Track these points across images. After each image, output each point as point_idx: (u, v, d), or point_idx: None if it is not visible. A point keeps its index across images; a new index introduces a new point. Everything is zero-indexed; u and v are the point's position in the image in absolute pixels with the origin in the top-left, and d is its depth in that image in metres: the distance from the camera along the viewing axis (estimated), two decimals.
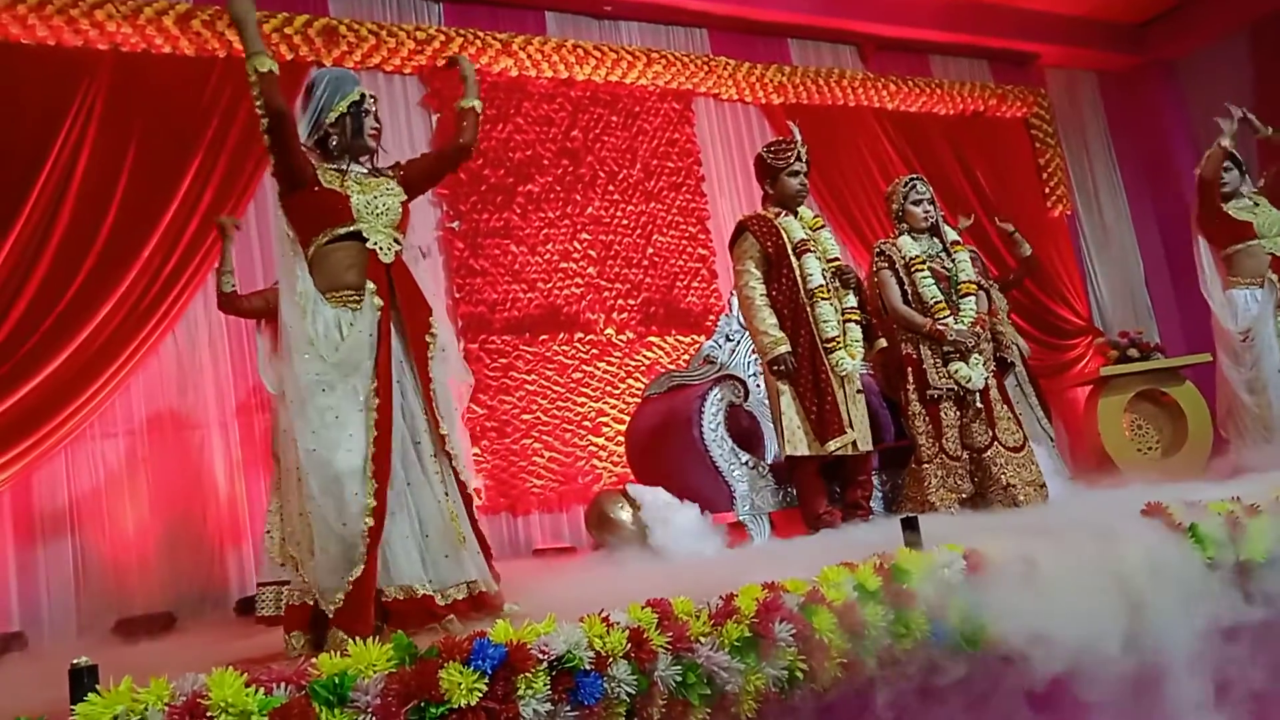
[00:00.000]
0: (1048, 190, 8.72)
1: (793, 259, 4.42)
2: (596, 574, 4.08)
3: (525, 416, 6.22)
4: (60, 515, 5.05)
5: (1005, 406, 4.66)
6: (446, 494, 3.04)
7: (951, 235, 4.88)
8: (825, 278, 4.44)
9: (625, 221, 6.84)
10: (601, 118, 6.92)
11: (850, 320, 4.47)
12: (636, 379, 6.53)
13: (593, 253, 6.67)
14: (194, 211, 5.46)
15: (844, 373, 4.35)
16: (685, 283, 6.95)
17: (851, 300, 4.51)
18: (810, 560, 2.60)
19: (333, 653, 1.79)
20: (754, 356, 5.32)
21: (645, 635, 1.96)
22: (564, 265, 6.55)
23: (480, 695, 1.76)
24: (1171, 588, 2.56)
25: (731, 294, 5.42)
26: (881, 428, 4.82)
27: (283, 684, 1.67)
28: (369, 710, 1.69)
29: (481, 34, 6.51)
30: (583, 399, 6.41)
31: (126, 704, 1.58)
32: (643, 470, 5.09)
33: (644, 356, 6.66)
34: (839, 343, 4.37)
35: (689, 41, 7.41)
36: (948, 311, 4.61)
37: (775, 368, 4.35)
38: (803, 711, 2.18)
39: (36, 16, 5.29)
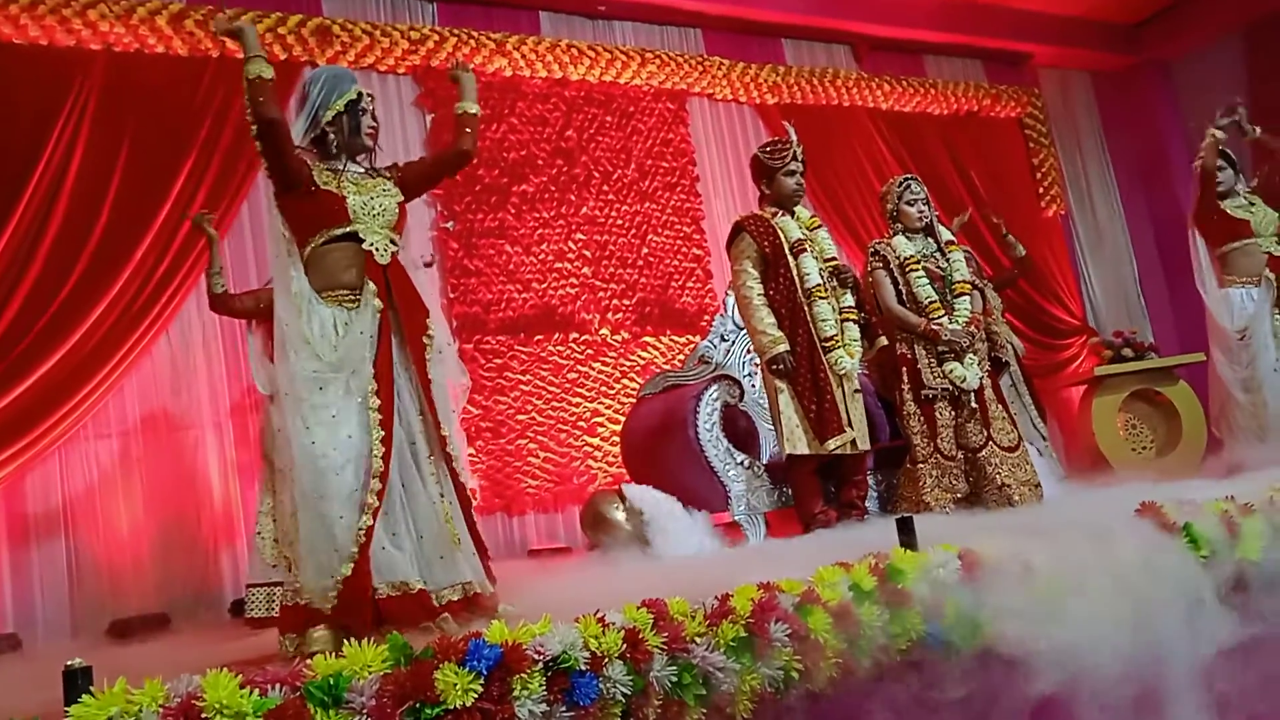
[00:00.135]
0: (1042, 190, 8.74)
1: (790, 259, 4.43)
2: (592, 574, 4.08)
3: (520, 417, 6.22)
4: (54, 516, 5.04)
5: (1000, 406, 4.67)
6: (442, 495, 3.04)
7: (946, 235, 4.89)
8: (823, 277, 4.45)
9: (620, 221, 6.84)
10: (596, 118, 6.92)
11: (848, 319, 4.47)
12: (631, 379, 6.53)
13: (587, 253, 6.67)
14: (187, 212, 5.44)
15: (843, 371, 4.36)
16: (680, 283, 6.95)
17: (849, 300, 4.52)
18: (805, 560, 2.60)
19: (329, 653, 1.79)
20: (749, 356, 5.33)
21: (640, 636, 1.96)
22: (559, 265, 6.55)
23: (475, 696, 1.75)
24: (1167, 588, 2.56)
25: (726, 294, 5.42)
26: (877, 427, 4.82)
27: (278, 685, 1.67)
28: (364, 711, 1.69)
29: (475, 34, 6.51)
30: (578, 399, 6.41)
31: (121, 705, 1.58)
32: (638, 470, 5.09)
33: (639, 357, 6.66)
34: (837, 342, 4.38)
35: (683, 41, 7.41)
36: (942, 311, 4.62)
37: (774, 367, 4.36)
38: (798, 712, 2.18)
39: (29, 16, 5.27)
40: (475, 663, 1.78)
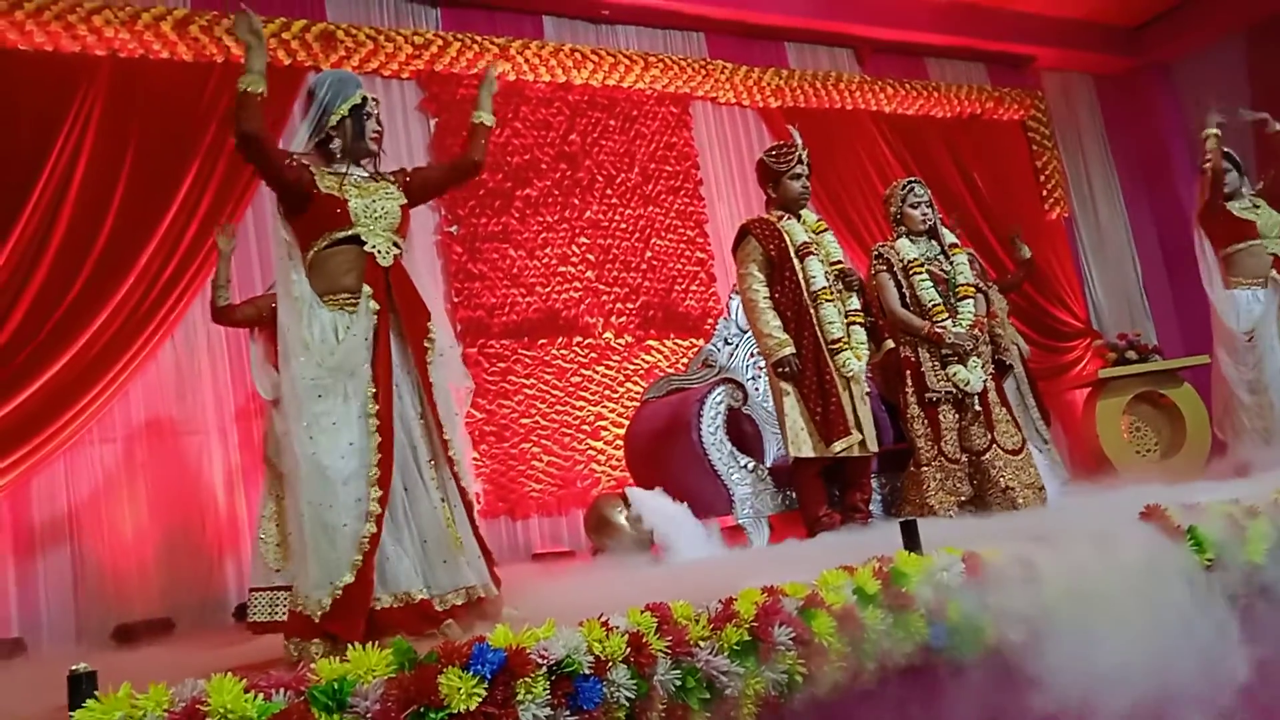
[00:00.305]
0: (1045, 193, 8.74)
1: (795, 262, 4.43)
2: (595, 578, 4.08)
3: (524, 420, 6.22)
4: (59, 521, 5.05)
5: (1004, 409, 4.66)
6: (444, 499, 3.04)
7: (950, 238, 4.88)
8: (828, 280, 4.46)
9: (623, 225, 6.84)
10: (599, 122, 6.93)
11: (854, 322, 4.48)
12: (635, 383, 6.53)
13: (591, 256, 6.67)
14: (192, 216, 5.47)
15: (850, 374, 4.36)
16: (684, 286, 6.96)
17: (855, 303, 4.52)
18: (809, 564, 2.59)
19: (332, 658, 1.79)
20: (753, 360, 5.33)
21: (644, 640, 1.96)
22: (562, 269, 6.55)
23: (480, 700, 1.75)
24: (1172, 591, 2.56)
25: (730, 297, 5.43)
26: (880, 430, 4.82)
27: (282, 689, 1.67)
28: (368, 716, 1.69)
29: (479, 38, 6.52)
30: (581, 403, 6.41)
31: (125, 710, 1.58)
32: (642, 474, 5.09)
33: (642, 360, 6.66)
34: (844, 344, 4.38)
35: (686, 45, 7.42)
36: (946, 314, 4.61)
37: (779, 370, 4.36)
38: (803, 715, 2.18)
39: (34, 23, 5.29)
40: (479, 667, 1.78)
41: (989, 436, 4.52)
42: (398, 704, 1.71)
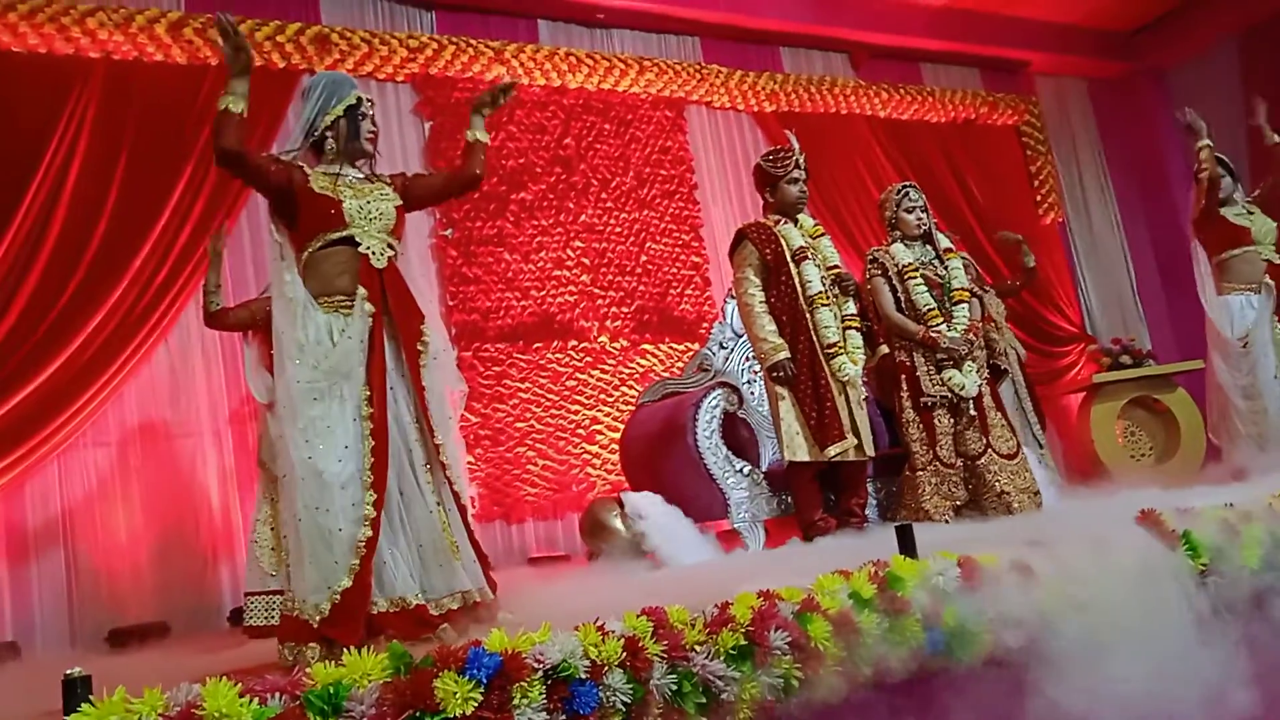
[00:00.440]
0: (1039, 198, 8.76)
1: (791, 266, 4.44)
2: (591, 582, 4.07)
3: (519, 424, 6.22)
4: (53, 524, 5.03)
5: (999, 414, 4.68)
6: (439, 503, 3.03)
7: (944, 243, 4.89)
8: (824, 284, 4.46)
9: (618, 229, 6.85)
10: (594, 125, 6.93)
11: (850, 327, 4.48)
12: (630, 387, 6.53)
13: (586, 260, 6.67)
14: (186, 220, 5.45)
15: (846, 378, 4.36)
16: (679, 290, 6.96)
17: (851, 307, 4.52)
18: (805, 568, 2.59)
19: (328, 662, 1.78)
20: (748, 364, 5.33)
21: (640, 644, 1.96)
22: (557, 273, 6.55)
23: (475, 705, 1.75)
24: (1166, 594, 2.56)
25: (725, 301, 5.43)
26: (876, 435, 4.82)
27: (277, 694, 1.66)
28: None
29: (474, 42, 6.52)
30: (577, 407, 6.41)
31: (120, 714, 1.57)
32: (637, 478, 5.09)
33: (638, 364, 6.66)
34: (839, 348, 4.38)
35: (681, 49, 7.43)
36: (941, 319, 4.62)
37: (775, 374, 4.36)
38: None
39: (28, 25, 5.28)
40: (475, 671, 1.77)
41: (984, 441, 4.53)
42: (393, 708, 1.71)
